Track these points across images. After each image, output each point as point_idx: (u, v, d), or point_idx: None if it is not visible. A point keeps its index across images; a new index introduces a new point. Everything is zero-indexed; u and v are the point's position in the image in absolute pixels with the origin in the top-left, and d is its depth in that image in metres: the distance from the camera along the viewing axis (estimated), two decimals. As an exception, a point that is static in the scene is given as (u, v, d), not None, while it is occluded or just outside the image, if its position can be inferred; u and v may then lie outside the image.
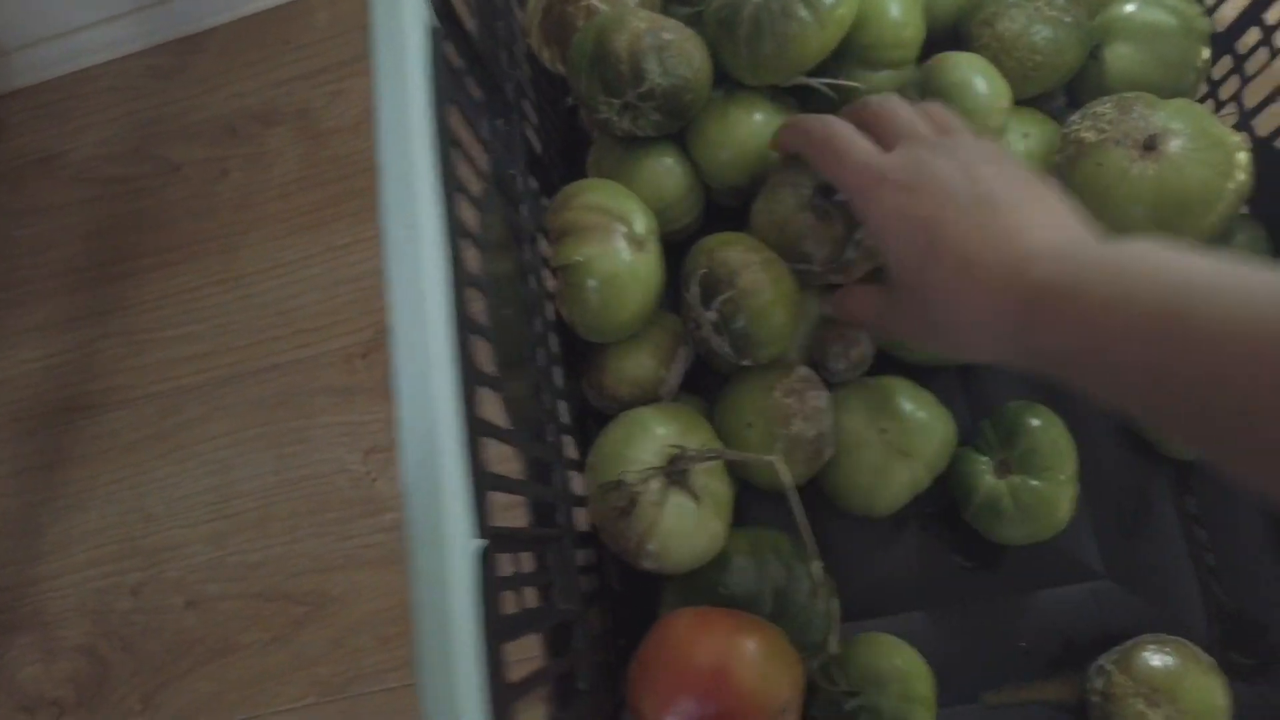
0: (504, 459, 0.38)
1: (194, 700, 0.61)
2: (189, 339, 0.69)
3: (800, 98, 0.56)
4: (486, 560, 0.29)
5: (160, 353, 0.69)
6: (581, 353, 0.55)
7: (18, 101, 0.77)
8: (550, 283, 0.49)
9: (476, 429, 0.30)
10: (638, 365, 0.51)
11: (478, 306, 0.34)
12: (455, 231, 0.32)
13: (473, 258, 0.35)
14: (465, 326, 0.31)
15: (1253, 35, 0.51)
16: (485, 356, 0.34)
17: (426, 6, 0.33)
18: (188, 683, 0.62)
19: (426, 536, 0.26)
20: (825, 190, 0.45)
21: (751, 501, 0.55)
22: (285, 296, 0.68)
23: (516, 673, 0.33)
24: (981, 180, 0.36)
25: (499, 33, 0.48)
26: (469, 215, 0.36)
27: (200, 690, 0.61)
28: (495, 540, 0.31)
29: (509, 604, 0.34)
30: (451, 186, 0.32)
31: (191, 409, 0.68)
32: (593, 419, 0.55)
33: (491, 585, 0.28)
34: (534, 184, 0.53)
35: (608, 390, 0.52)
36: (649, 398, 0.52)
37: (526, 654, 0.36)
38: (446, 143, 0.33)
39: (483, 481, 0.30)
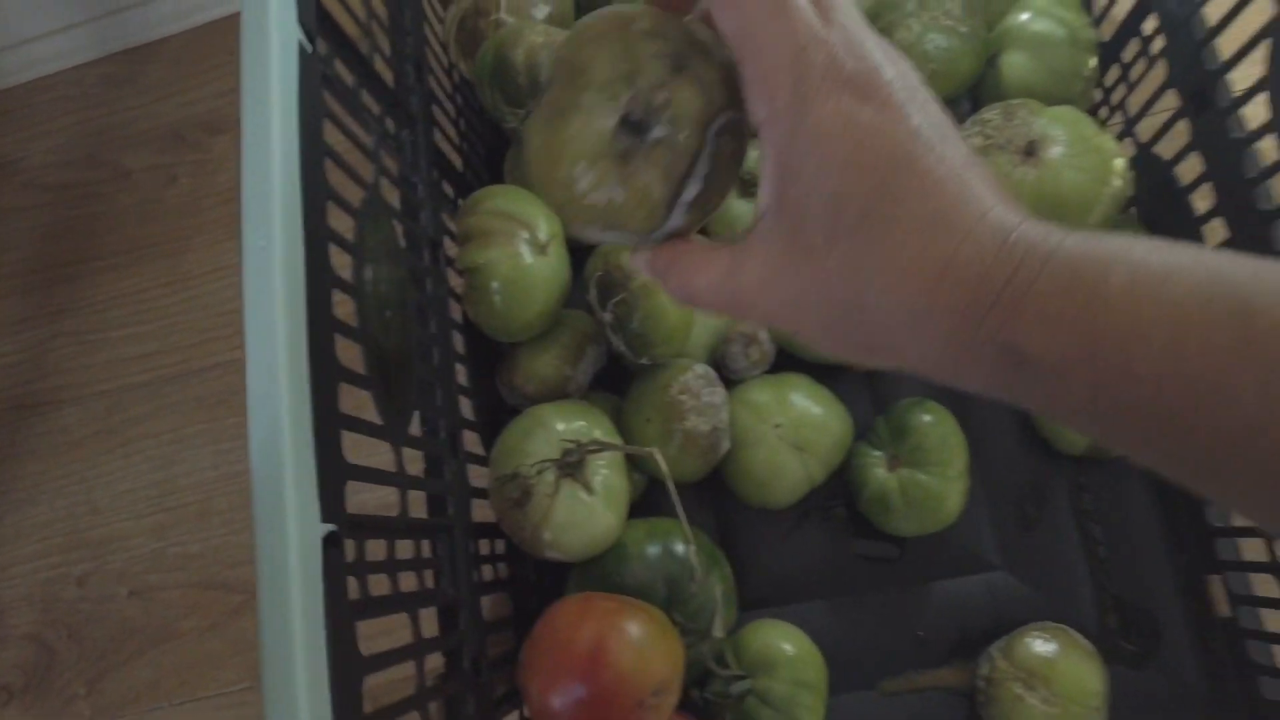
0: (411, 458, 0.40)
1: (136, 685, 0.64)
2: (137, 339, 0.72)
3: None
4: (337, 543, 0.31)
5: (109, 352, 0.72)
6: (496, 352, 0.57)
7: (-27, 109, 0.80)
8: (458, 285, 0.52)
9: (332, 423, 0.32)
10: (545, 364, 0.54)
11: (347, 310, 0.36)
12: (321, 240, 0.34)
13: (345, 264, 0.37)
14: (325, 328, 0.33)
15: (1134, 46, 0.53)
16: (355, 356, 0.37)
17: (297, 30, 0.35)
18: (130, 669, 0.64)
19: (269, 523, 0.29)
20: (636, 119, 0.26)
21: (663, 495, 0.57)
22: (227, 299, 0.70)
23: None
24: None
25: (405, 48, 0.50)
26: (345, 224, 0.38)
27: (142, 676, 0.64)
28: (355, 526, 0.34)
29: (380, 586, 0.36)
30: (320, 197, 0.35)
31: (138, 406, 0.70)
32: (508, 414, 0.58)
33: (338, 566, 0.30)
34: (449, 190, 0.56)
35: (518, 387, 0.55)
36: (557, 395, 0.54)
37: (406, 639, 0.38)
38: (318, 156, 0.35)
39: (337, 472, 0.32)
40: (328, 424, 0.32)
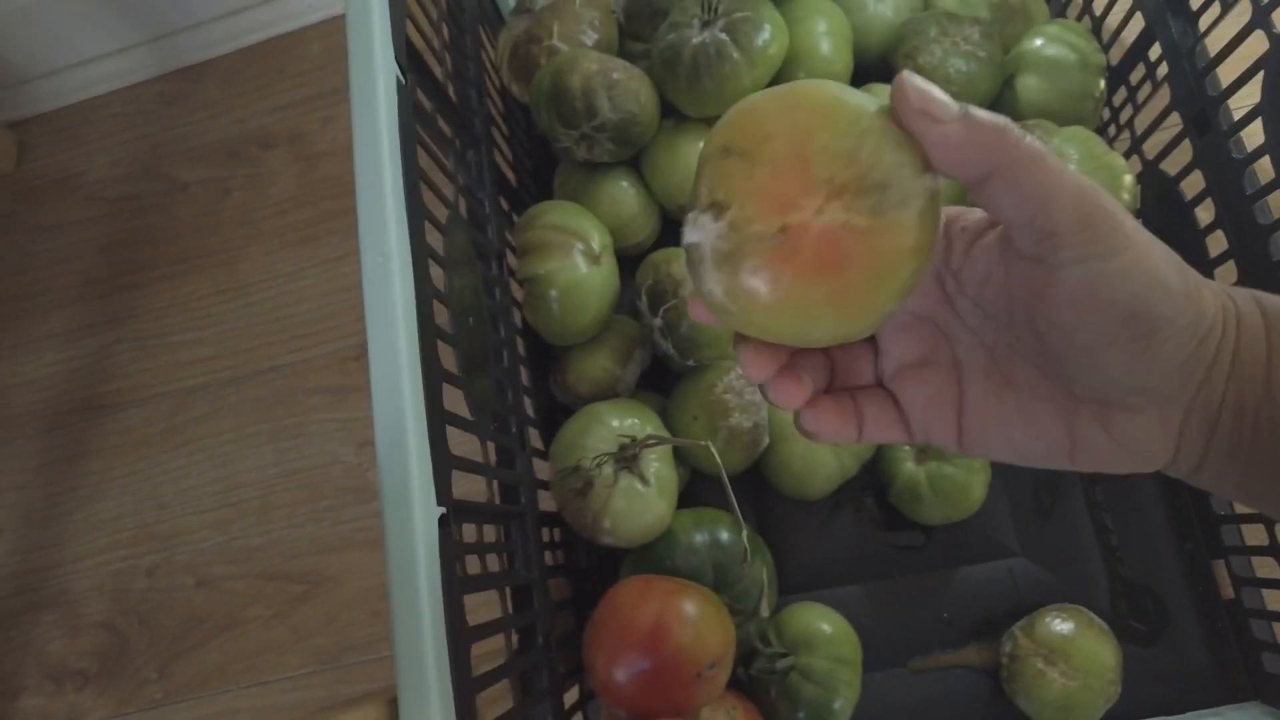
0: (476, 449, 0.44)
1: (204, 670, 0.67)
2: (195, 344, 0.76)
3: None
4: (447, 524, 0.35)
5: (169, 356, 0.76)
6: (550, 355, 0.61)
7: (38, 126, 0.84)
8: (517, 293, 0.56)
9: (441, 418, 0.36)
10: (596, 366, 0.58)
11: (443, 317, 0.40)
12: (422, 254, 0.38)
13: (438, 275, 0.41)
14: (431, 333, 0.37)
15: (1141, 70, 0.58)
16: (450, 359, 0.41)
17: (394, 64, 0.39)
18: (198, 654, 0.68)
19: (396, 505, 0.33)
20: None
21: (702, 488, 0.62)
22: (282, 305, 0.74)
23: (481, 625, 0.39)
24: None
25: (468, 73, 0.54)
26: (436, 239, 0.42)
27: (209, 661, 0.68)
28: (456, 510, 0.38)
29: (473, 565, 0.40)
30: (419, 216, 0.39)
31: (198, 407, 0.74)
32: (561, 413, 0.62)
33: (450, 545, 0.34)
34: (504, 205, 0.60)
35: (571, 387, 0.59)
36: (607, 394, 0.59)
37: (494, 614, 0.42)
38: (415, 179, 0.39)
39: (445, 462, 0.36)
40: (437, 419, 0.36)
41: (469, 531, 0.40)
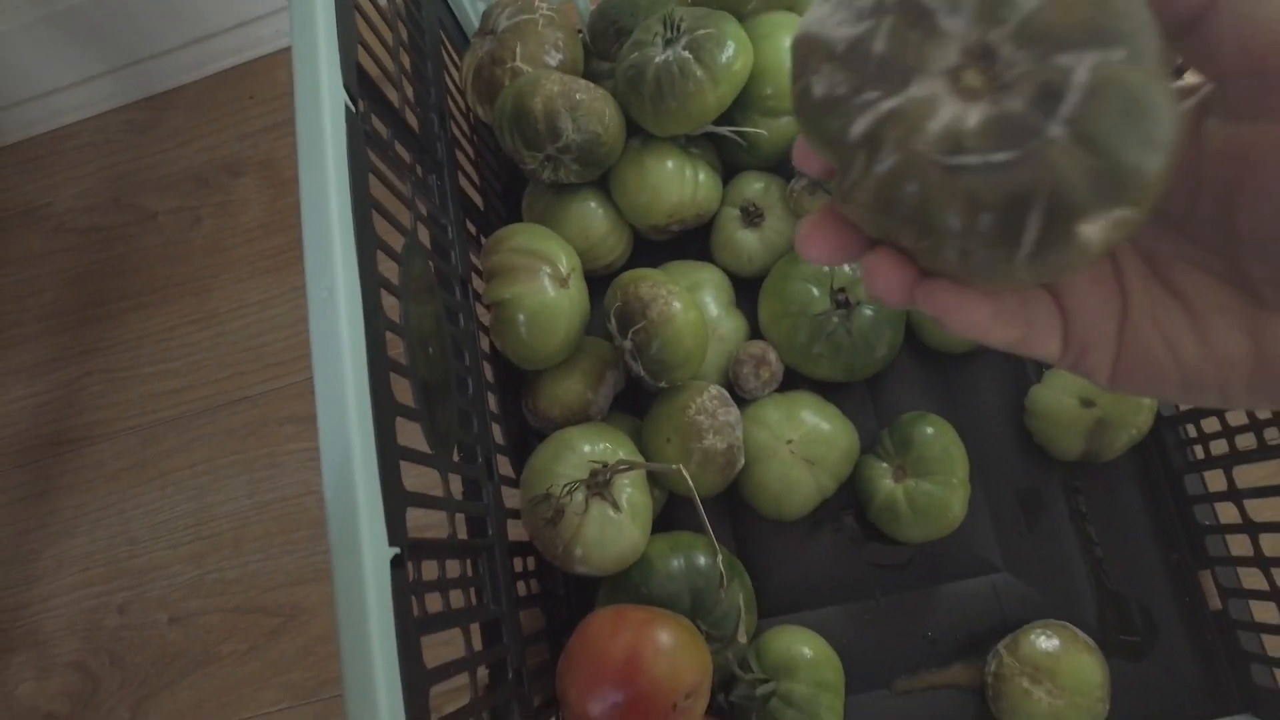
0: (452, 482, 0.43)
1: (178, 708, 0.66)
2: (166, 375, 0.75)
3: (712, 142, 0.62)
4: (401, 564, 0.34)
5: (139, 388, 0.75)
6: (521, 379, 0.60)
7: (3, 157, 0.83)
8: (485, 317, 0.55)
9: (393, 455, 0.36)
10: (567, 390, 0.57)
11: (399, 349, 0.39)
12: (373, 285, 0.37)
13: (394, 305, 0.40)
14: (382, 367, 0.36)
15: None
16: (408, 392, 0.40)
17: (342, 92, 0.38)
18: (172, 692, 0.67)
19: (345, 548, 0.32)
20: None
21: (679, 510, 0.61)
22: (253, 334, 0.73)
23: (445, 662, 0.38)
24: None
25: (429, 98, 0.53)
26: (393, 269, 0.41)
27: (183, 699, 0.66)
28: (414, 549, 0.37)
29: (436, 603, 0.39)
30: (370, 246, 0.38)
31: (170, 440, 0.73)
32: (534, 437, 0.61)
33: (404, 586, 0.33)
34: (471, 228, 0.59)
35: (543, 412, 0.58)
36: (579, 418, 0.58)
37: (462, 650, 0.41)
38: (366, 209, 0.39)
39: (398, 499, 0.35)
40: (389, 456, 0.35)
41: (431, 569, 0.39)
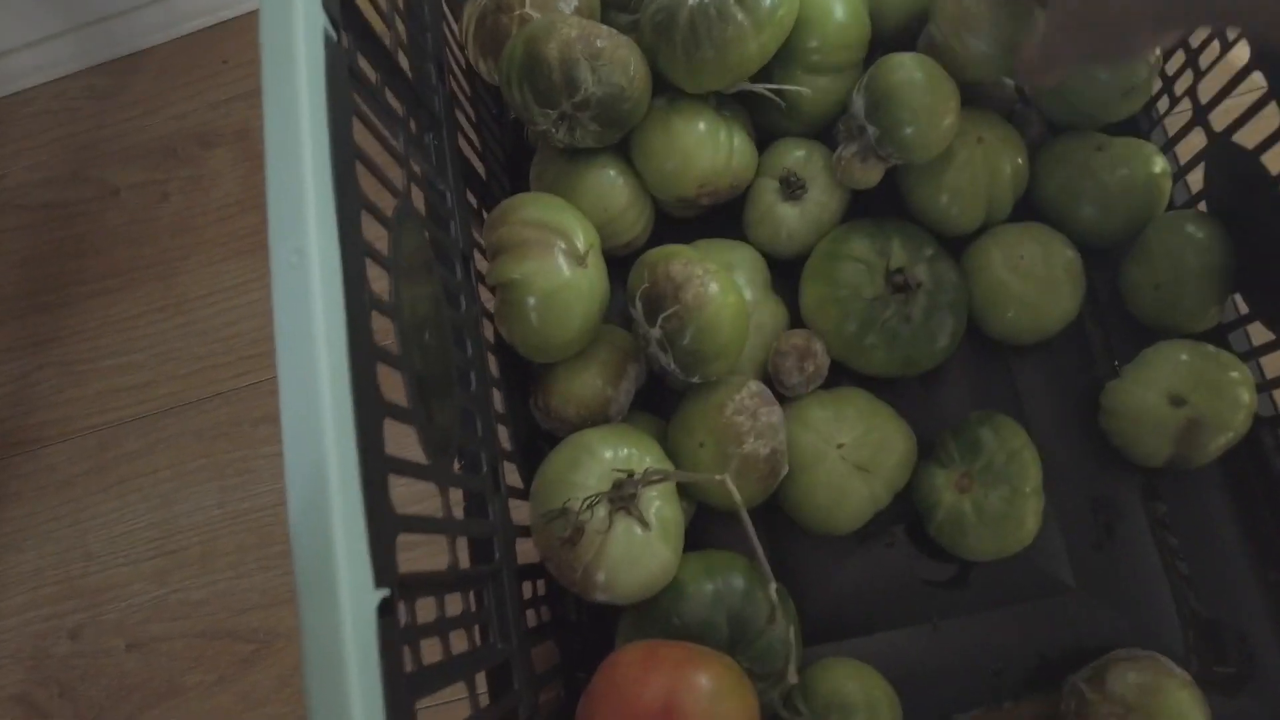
0: (434, 493, 0.36)
1: (136, 748, 0.58)
2: (128, 369, 0.67)
3: (746, 104, 0.54)
4: (391, 610, 0.26)
5: (98, 384, 0.67)
6: (529, 373, 0.53)
7: (-51, 127, 0.75)
8: (488, 301, 0.47)
9: (382, 466, 0.28)
10: (584, 385, 0.49)
11: (389, 335, 0.32)
12: (356, 252, 0.30)
13: (383, 282, 0.33)
14: (368, 355, 0.29)
15: (1203, 29, 0.50)
16: (399, 387, 0.32)
17: (321, 15, 0.31)
18: (130, 729, 0.59)
19: (315, 592, 0.24)
20: None
21: (710, 522, 0.53)
22: (225, 323, 0.66)
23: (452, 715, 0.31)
24: None
25: (426, 45, 0.46)
26: (381, 235, 0.34)
27: (143, 737, 0.59)
28: (405, 587, 0.29)
29: (431, 652, 0.31)
30: (353, 203, 0.30)
31: (131, 442, 0.65)
32: (544, 440, 0.53)
33: (394, 638, 0.26)
34: (471, 200, 0.51)
35: (555, 411, 0.50)
36: (597, 418, 0.50)
37: (463, 692, 0.34)
38: (349, 157, 0.31)
39: (388, 526, 0.28)
40: (376, 473, 0.27)
41: (428, 606, 0.32)
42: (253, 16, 0.74)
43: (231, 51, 0.73)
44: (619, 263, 0.54)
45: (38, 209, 0.72)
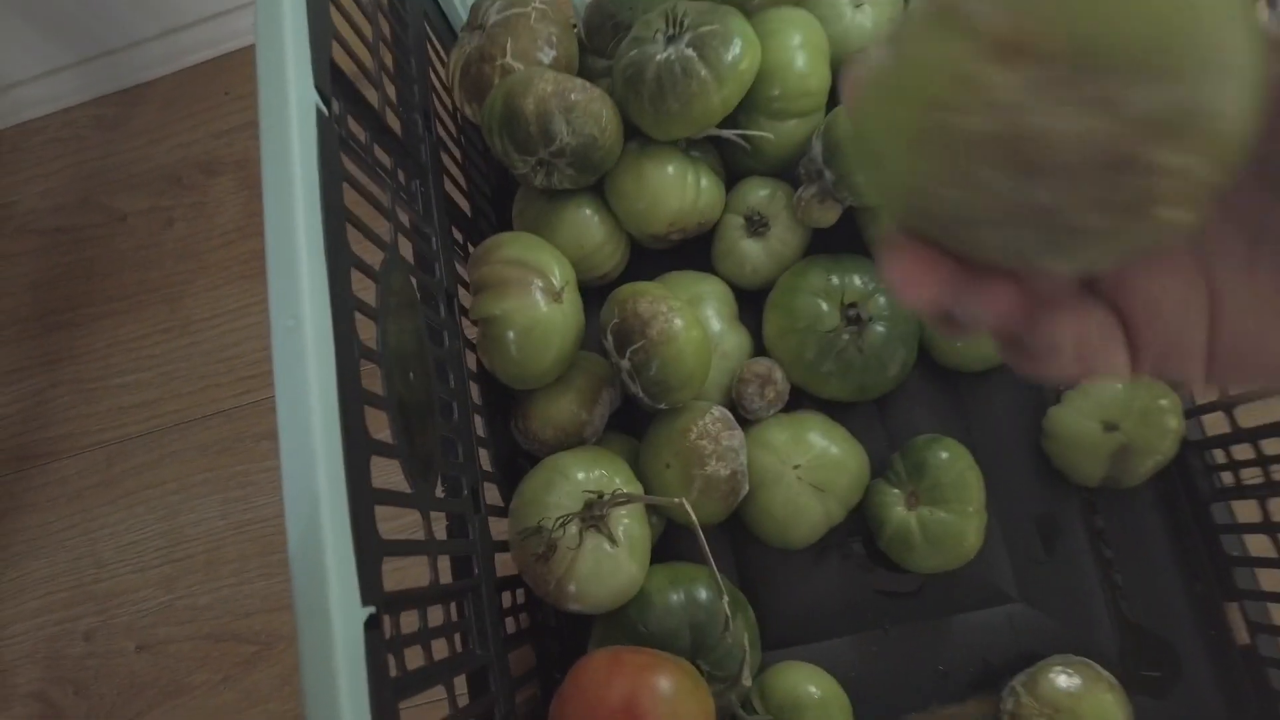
0: (435, 518, 0.40)
1: (145, 743, 0.62)
2: (136, 386, 0.71)
3: (714, 145, 0.58)
4: (377, 624, 0.30)
5: (109, 400, 0.71)
6: (510, 397, 0.57)
7: (-35, 154, 0.79)
8: (472, 333, 0.51)
9: (368, 499, 0.32)
10: (561, 410, 0.53)
11: (376, 378, 0.36)
12: (347, 311, 0.34)
13: (372, 328, 0.37)
14: (356, 402, 0.33)
15: None
16: (384, 424, 0.36)
17: (313, 93, 0.35)
18: (139, 726, 0.63)
19: (311, 610, 0.28)
20: None
21: (678, 535, 0.57)
22: (229, 344, 0.70)
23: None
24: None
25: (413, 98, 0.49)
26: (369, 286, 0.38)
27: (151, 733, 0.63)
28: (390, 603, 0.33)
29: (415, 657, 0.35)
30: (344, 267, 0.34)
31: (139, 456, 0.69)
32: (525, 459, 0.57)
33: (379, 649, 0.30)
34: (458, 237, 0.55)
35: (534, 434, 0.54)
36: (574, 439, 0.54)
37: (442, 695, 0.38)
38: (340, 226, 0.35)
39: (374, 550, 0.32)
40: (362, 505, 0.31)
41: (411, 618, 0.36)
42: (254, 49, 0.78)
43: (233, 83, 0.76)
44: (597, 292, 0.58)
45: (49, 233, 0.76)
